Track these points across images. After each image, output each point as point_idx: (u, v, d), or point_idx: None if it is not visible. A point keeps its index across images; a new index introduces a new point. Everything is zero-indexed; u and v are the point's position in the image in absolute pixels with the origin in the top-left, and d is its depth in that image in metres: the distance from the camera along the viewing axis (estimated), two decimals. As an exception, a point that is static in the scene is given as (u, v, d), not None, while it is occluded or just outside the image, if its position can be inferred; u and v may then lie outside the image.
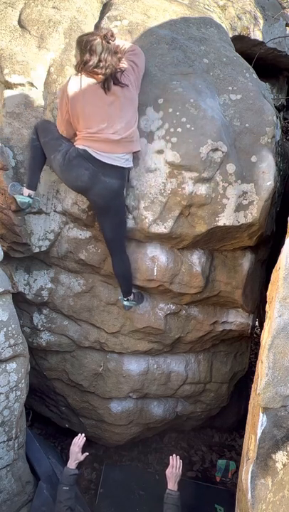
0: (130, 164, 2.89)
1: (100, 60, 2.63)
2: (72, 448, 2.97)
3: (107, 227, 3.02)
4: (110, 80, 2.68)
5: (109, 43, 2.66)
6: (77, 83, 2.71)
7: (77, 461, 2.92)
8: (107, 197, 2.88)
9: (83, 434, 3.05)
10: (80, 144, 2.81)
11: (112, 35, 2.66)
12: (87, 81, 2.71)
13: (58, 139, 2.88)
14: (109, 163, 2.79)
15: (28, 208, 3.07)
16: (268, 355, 2.01)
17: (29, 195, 2.98)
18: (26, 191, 2.98)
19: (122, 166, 2.83)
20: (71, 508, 2.78)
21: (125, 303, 3.34)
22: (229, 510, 3.56)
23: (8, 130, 3.11)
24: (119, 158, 2.82)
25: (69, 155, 2.79)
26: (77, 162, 2.78)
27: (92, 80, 2.71)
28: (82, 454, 2.95)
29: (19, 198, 2.99)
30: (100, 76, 2.68)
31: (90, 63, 2.64)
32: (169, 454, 3.08)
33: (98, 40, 2.62)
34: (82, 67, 2.69)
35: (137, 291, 3.39)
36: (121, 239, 3.10)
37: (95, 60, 2.63)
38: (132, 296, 3.33)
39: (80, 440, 2.99)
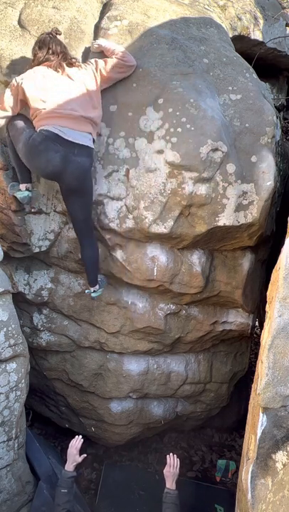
0: (93, 146, 2.90)
1: (49, 49, 2.83)
2: (69, 450, 2.96)
3: (78, 209, 2.99)
4: (63, 62, 2.85)
5: (56, 36, 2.88)
6: (33, 71, 2.83)
7: (75, 464, 2.91)
8: (81, 177, 2.86)
9: (80, 436, 3.04)
10: (42, 125, 2.77)
11: (57, 31, 2.89)
12: (42, 68, 2.83)
13: (19, 129, 2.87)
14: (78, 142, 2.78)
15: (29, 202, 3.08)
16: (267, 355, 2.01)
17: (27, 189, 3.00)
18: (23, 186, 3.00)
19: (88, 145, 2.83)
20: (69, 511, 2.77)
21: (93, 294, 3.32)
22: (229, 510, 3.56)
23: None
24: (85, 137, 2.82)
25: (32, 140, 2.75)
26: (45, 146, 2.73)
27: (46, 68, 2.83)
28: (80, 455, 2.95)
29: (19, 194, 3.01)
30: (54, 62, 2.82)
31: (43, 53, 2.83)
32: (169, 454, 3.08)
33: (45, 35, 2.88)
34: (36, 62, 2.85)
35: (100, 277, 3.36)
36: (91, 219, 3.09)
37: (44, 51, 2.84)
38: (97, 286, 3.31)
39: (77, 442, 2.99)
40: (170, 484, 2.93)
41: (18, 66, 3.05)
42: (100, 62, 2.91)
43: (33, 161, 2.82)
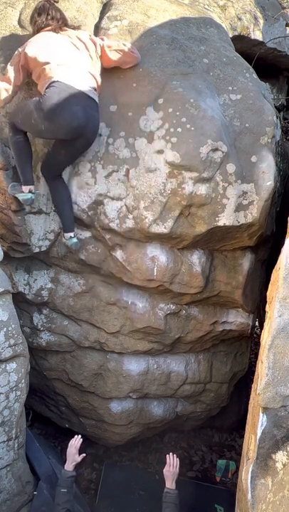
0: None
1: (48, 14, 2.84)
2: (69, 450, 2.97)
3: (70, 158, 2.96)
4: (64, 24, 2.87)
5: (54, 4, 2.90)
6: (33, 38, 2.82)
7: (74, 463, 2.92)
8: (96, 132, 2.86)
9: (80, 436, 3.04)
10: (52, 78, 2.69)
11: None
12: (42, 33, 2.82)
13: (24, 106, 2.81)
14: (90, 95, 2.75)
15: (31, 204, 3.07)
16: (268, 355, 2.01)
17: (30, 191, 2.98)
18: (26, 188, 2.98)
19: (97, 101, 2.81)
20: (69, 511, 2.78)
21: (71, 241, 3.16)
22: (229, 510, 3.56)
23: (8, 130, 3.11)
24: (94, 93, 2.79)
25: (47, 98, 2.64)
26: (64, 99, 2.63)
27: (47, 32, 2.83)
28: (80, 455, 2.95)
29: (21, 196, 2.99)
30: (54, 26, 2.82)
31: (42, 19, 2.83)
32: (168, 453, 3.09)
33: (43, 2, 2.88)
34: (36, 29, 2.85)
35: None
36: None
37: (44, 16, 2.84)
38: (74, 233, 3.17)
39: (76, 442, 2.99)
40: (170, 484, 2.93)
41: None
42: (106, 40, 2.91)
43: (55, 120, 2.67)
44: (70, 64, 2.74)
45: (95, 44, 2.88)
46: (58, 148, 2.93)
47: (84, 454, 2.98)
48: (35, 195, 3.05)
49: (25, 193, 2.98)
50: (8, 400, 2.83)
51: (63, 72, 2.71)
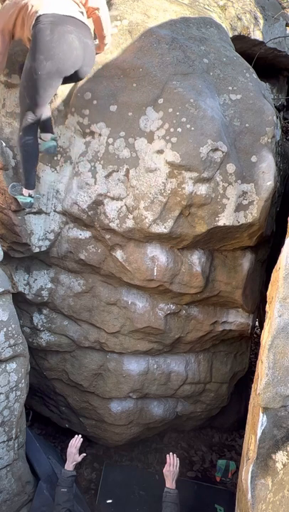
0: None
1: None
2: (69, 449, 2.98)
3: (56, 88, 2.76)
4: None
5: None
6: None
7: (74, 463, 2.93)
8: (92, 62, 2.72)
9: (80, 436, 3.05)
10: (38, 13, 2.48)
11: None
12: None
13: (23, 76, 2.65)
14: (81, 19, 2.57)
15: (30, 207, 3.07)
16: (268, 355, 2.01)
17: (29, 195, 2.98)
18: (26, 191, 2.97)
19: (88, 24, 2.64)
20: (70, 510, 2.78)
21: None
22: (229, 510, 3.56)
23: (8, 130, 3.11)
24: (83, 16, 2.62)
25: (40, 33, 2.43)
26: (57, 33, 2.44)
27: None
28: (80, 455, 2.96)
29: (21, 199, 2.99)
30: None
31: None
32: (168, 453, 3.09)
33: None
34: None
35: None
36: None
37: None
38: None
39: (76, 441, 3.00)
40: (170, 484, 2.93)
41: (18, 66, 3.04)
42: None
43: (54, 55, 2.49)
44: None
45: None
46: (50, 80, 2.68)
47: (84, 454, 2.99)
48: (35, 199, 3.02)
49: (25, 196, 2.97)
50: (8, 400, 2.83)
51: (46, 2, 2.50)
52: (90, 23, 2.80)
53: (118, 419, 3.88)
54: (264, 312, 2.45)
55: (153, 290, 3.38)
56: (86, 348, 3.75)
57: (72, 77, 2.76)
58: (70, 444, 3.00)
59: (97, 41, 2.92)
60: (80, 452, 3.00)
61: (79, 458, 2.95)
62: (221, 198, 2.99)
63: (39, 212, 3.24)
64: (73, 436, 3.05)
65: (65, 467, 2.92)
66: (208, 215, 3.03)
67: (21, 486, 3.02)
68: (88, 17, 2.79)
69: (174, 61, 3.04)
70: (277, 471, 1.88)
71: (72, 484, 2.87)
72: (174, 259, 3.25)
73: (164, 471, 2.98)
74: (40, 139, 3.01)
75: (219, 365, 4.05)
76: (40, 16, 2.49)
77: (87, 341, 3.67)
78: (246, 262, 3.40)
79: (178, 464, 3.00)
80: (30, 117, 2.78)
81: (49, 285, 3.55)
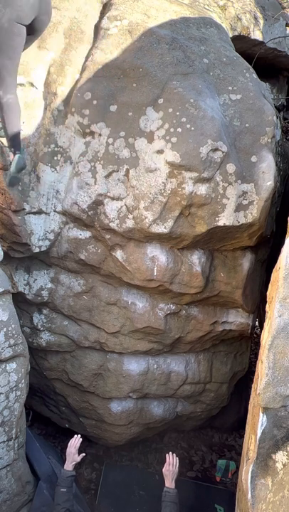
0: None
1: None
2: (68, 449, 2.98)
3: (21, 42, 2.81)
4: None
5: None
6: None
7: (74, 463, 2.93)
8: (49, 11, 2.81)
9: (79, 436, 3.05)
10: None
11: None
12: None
13: None
14: None
15: (25, 166, 2.96)
16: (268, 355, 2.01)
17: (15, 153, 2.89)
18: (12, 155, 2.89)
19: None
20: (69, 510, 2.78)
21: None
22: (229, 510, 3.56)
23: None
24: None
25: None
26: None
27: None
28: (79, 455, 2.96)
29: (14, 164, 2.88)
30: None
31: None
32: (168, 453, 3.09)
33: None
34: None
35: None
36: None
37: None
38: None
39: (76, 441, 3.00)
40: (169, 483, 2.93)
41: (19, 66, 3.04)
42: None
43: (12, 1, 2.63)
44: None
45: None
46: (12, 27, 2.76)
47: (83, 454, 2.99)
48: (24, 155, 2.91)
49: (15, 160, 2.86)
50: (8, 400, 2.83)
51: None
52: None
53: (118, 419, 3.88)
54: (264, 312, 2.45)
55: (153, 290, 3.38)
56: (86, 348, 3.74)
57: (34, 28, 2.81)
58: (69, 443, 3.01)
59: None
60: (80, 452, 3.00)
61: (78, 458, 2.95)
62: (221, 198, 2.99)
63: (39, 212, 3.24)
64: (73, 437, 3.05)
65: (65, 467, 2.92)
66: (208, 215, 3.03)
67: (21, 486, 3.02)
68: None
69: (174, 61, 3.04)
70: (277, 471, 1.88)
71: (71, 484, 2.87)
72: (174, 259, 3.25)
73: (163, 470, 2.98)
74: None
75: (219, 365, 4.05)
76: None
77: (87, 341, 3.67)
78: (246, 262, 3.40)
79: (177, 464, 3.00)
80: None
81: (49, 285, 3.55)
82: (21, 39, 2.81)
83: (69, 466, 2.91)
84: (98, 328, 3.61)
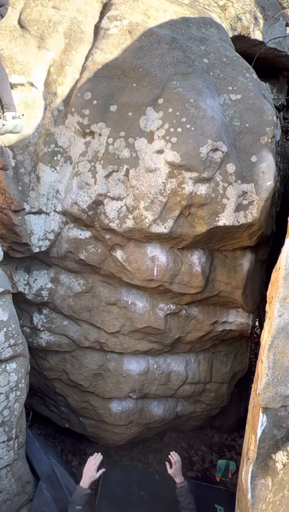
0: None
1: None
2: (87, 465, 2.92)
3: None
4: None
5: None
6: None
7: (92, 480, 2.87)
8: None
9: (100, 454, 2.99)
10: None
11: None
12: None
13: None
14: None
15: (22, 128, 2.92)
16: (268, 355, 2.01)
17: (13, 117, 2.86)
18: (9, 114, 2.85)
19: None
20: None
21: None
22: (229, 510, 3.55)
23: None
24: None
25: None
26: None
27: None
28: (98, 471, 2.90)
29: (12, 125, 2.84)
30: None
31: None
32: (169, 454, 3.09)
33: None
34: None
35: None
36: None
37: None
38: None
39: (96, 459, 2.94)
40: (179, 479, 2.98)
41: (18, 66, 3.05)
42: None
43: None
44: None
45: None
46: None
47: (103, 469, 2.93)
48: (21, 117, 2.88)
49: (11, 121, 2.82)
50: (8, 400, 2.83)
51: None
52: None
53: (118, 419, 3.88)
54: (264, 312, 2.45)
55: (153, 290, 3.38)
56: (86, 348, 3.74)
57: None
58: (88, 460, 2.95)
59: None
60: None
61: (97, 474, 2.89)
62: (221, 198, 2.99)
63: (39, 212, 3.24)
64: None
65: (81, 484, 2.84)
66: (208, 215, 3.03)
67: (21, 486, 3.02)
68: None
69: (174, 61, 3.04)
70: (277, 471, 1.88)
71: (86, 502, 2.81)
72: (174, 259, 3.25)
73: (169, 472, 3.00)
74: (2, 119, 2.90)
75: (219, 365, 4.05)
76: None
77: (87, 341, 3.67)
78: (246, 262, 3.40)
79: (179, 459, 3.02)
80: None
81: (49, 285, 3.55)
82: None
83: (86, 483, 2.84)
84: (98, 328, 3.61)
